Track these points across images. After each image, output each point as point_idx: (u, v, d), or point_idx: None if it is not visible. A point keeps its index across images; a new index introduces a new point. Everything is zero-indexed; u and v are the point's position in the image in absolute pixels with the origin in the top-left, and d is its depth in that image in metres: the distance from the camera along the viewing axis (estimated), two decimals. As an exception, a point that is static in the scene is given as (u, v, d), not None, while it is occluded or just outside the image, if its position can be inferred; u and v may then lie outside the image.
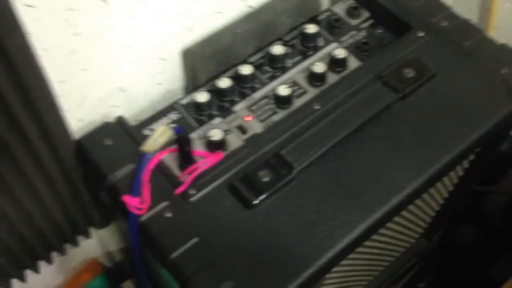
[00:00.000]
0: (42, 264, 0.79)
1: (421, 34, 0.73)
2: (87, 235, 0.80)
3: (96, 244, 0.91)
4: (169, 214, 0.59)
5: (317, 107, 0.68)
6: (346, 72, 0.72)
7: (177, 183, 0.62)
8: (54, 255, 0.79)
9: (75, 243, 0.80)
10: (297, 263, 0.57)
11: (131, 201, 0.57)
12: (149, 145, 0.57)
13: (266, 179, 0.61)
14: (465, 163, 0.81)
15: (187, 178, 0.62)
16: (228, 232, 0.59)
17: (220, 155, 0.64)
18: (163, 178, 0.62)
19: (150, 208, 0.59)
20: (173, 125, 0.67)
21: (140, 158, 0.59)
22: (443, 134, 0.66)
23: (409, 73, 0.69)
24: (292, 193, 0.61)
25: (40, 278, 0.85)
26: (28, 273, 0.78)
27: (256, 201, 0.60)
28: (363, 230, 0.60)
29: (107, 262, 0.97)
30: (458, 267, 1.38)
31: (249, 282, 0.55)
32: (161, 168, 0.63)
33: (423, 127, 0.66)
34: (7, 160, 0.60)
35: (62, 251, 0.79)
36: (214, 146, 0.65)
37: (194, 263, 0.56)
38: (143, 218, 0.59)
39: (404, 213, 0.78)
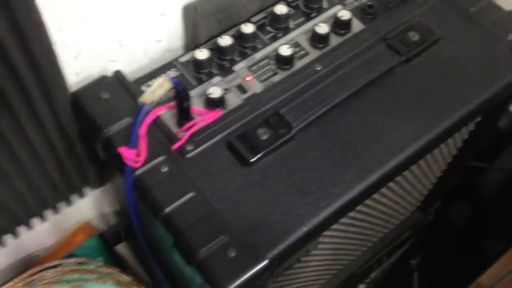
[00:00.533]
0: (36, 223, 0.79)
1: (427, -2, 0.72)
2: (81, 194, 0.79)
3: (91, 206, 0.91)
4: (165, 169, 0.59)
5: (318, 68, 0.67)
6: (349, 35, 0.71)
7: (174, 139, 0.61)
8: (48, 213, 0.79)
9: (69, 202, 0.79)
10: (292, 221, 0.56)
11: (127, 153, 0.56)
12: (147, 97, 0.56)
13: (264, 137, 0.61)
14: (465, 134, 0.81)
15: (184, 134, 0.61)
16: (224, 188, 0.58)
17: (218, 113, 0.63)
18: (160, 134, 0.62)
19: (146, 162, 0.59)
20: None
21: (138, 111, 0.58)
22: (445, 98, 0.65)
23: (414, 36, 0.68)
24: (290, 152, 0.61)
25: (33, 238, 0.85)
26: (22, 231, 0.78)
27: (253, 159, 0.60)
28: (360, 190, 0.59)
29: (101, 225, 0.97)
30: (451, 244, 1.39)
31: (243, 237, 0.55)
32: (158, 124, 0.62)
33: (425, 91, 0.66)
34: (3, 109, 0.58)
35: (56, 209, 0.78)
36: (212, 103, 0.64)
37: (188, 217, 0.56)
38: (139, 171, 0.58)
39: (401, 181, 0.78)
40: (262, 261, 0.54)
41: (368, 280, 1.18)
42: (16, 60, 0.54)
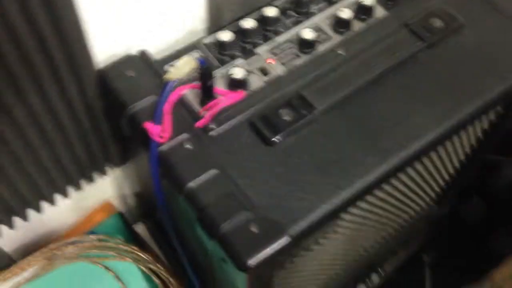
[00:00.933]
0: (59, 199, 0.81)
1: (451, -15, 0.72)
2: (103, 172, 0.81)
3: (111, 186, 0.92)
4: (189, 146, 0.60)
5: (341, 52, 0.67)
6: (372, 20, 0.71)
7: (197, 117, 0.62)
8: (71, 189, 0.80)
9: (91, 179, 0.81)
10: (314, 199, 0.57)
11: (152, 128, 0.58)
12: (173, 74, 0.57)
13: (286, 118, 0.62)
14: (485, 124, 0.80)
15: (207, 113, 0.62)
16: (246, 166, 0.59)
17: (241, 94, 0.64)
18: (184, 112, 0.63)
19: (170, 139, 0.60)
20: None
21: (163, 88, 0.59)
22: (467, 85, 0.66)
23: (437, 22, 0.68)
24: (312, 133, 0.62)
25: (55, 214, 0.87)
26: (45, 206, 0.80)
27: (276, 139, 0.61)
28: (381, 173, 0.60)
29: (120, 206, 0.99)
30: (464, 240, 1.38)
31: (266, 214, 0.56)
32: (182, 103, 0.63)
33: (447, 77, 0.66)
34: (33, 85, 0.60)
35: (78, 186, 0.80)
36: (235, 84, 0.65)
37: (211, 193, 0.57)
38: (163, 148, 0.60)
39: (420, 170, 0.78)
40: (284, 237, 0.55)
41: (381, 271, 1.19)
42: (47, 35, 0.55)
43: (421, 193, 0.91)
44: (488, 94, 0.65)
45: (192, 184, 0.57)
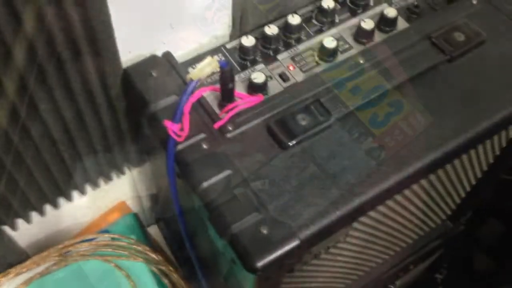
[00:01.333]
0: (75, 196, 0.82)
1: (474, 1, 0.72)
2: (121, 171, 0.82)
3: (127, 186, 0.93)
4: (205, 146, 0.61)
5: (361, 61, 0.68)
6: (394, 32, 0.72)
7: (216, 118, 0.63)
8: (88, 187, 0.82)
9: (109, 178, 0.82)
10: (326, 204, 0.57)
11: (171, 126, 0.59)
12: (195, 74, 0.58)
13: (303, 123, 0.62)
14: (503, 141, 0.80)
15: (226, 115, 0.63)
16: (261, 169, 0.60)
17: (260, 98, 0.65)
18: (203, 113, 0.64)
19: (188, 138, 0.61)
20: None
21: (185, 88, 0.61)
22: (487, 99, 0.65)
23: (459, 36, 0.68)
24: (328, 139, 0.62)
25: (71, 211, 0.88)
26: (62, 202, 0.81)
27: (291, 143, 0.61)
28: (395, 181, 0.60)
29: (135, 207, 1.00)
30: (479, 262, 1.36)
31: (277, 217, 0.56)
32: (202, 104, 0.64)
33: (467, 90, 0.66)
34: (59, 79, 0.62)
35: (96, 184, 0.81)
36: (255, 88, 0.66)
37: (224, 193, 0.57)
38: (181, 146, 0.61)
39: (435, 183, 0.78)
40: (294, 240, 0.55)
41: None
42: (77, 31, 0.57)
43: (435, 207, 0.90)
44: (508, 109, 0.65)
45: (206, 183, 0.58)
